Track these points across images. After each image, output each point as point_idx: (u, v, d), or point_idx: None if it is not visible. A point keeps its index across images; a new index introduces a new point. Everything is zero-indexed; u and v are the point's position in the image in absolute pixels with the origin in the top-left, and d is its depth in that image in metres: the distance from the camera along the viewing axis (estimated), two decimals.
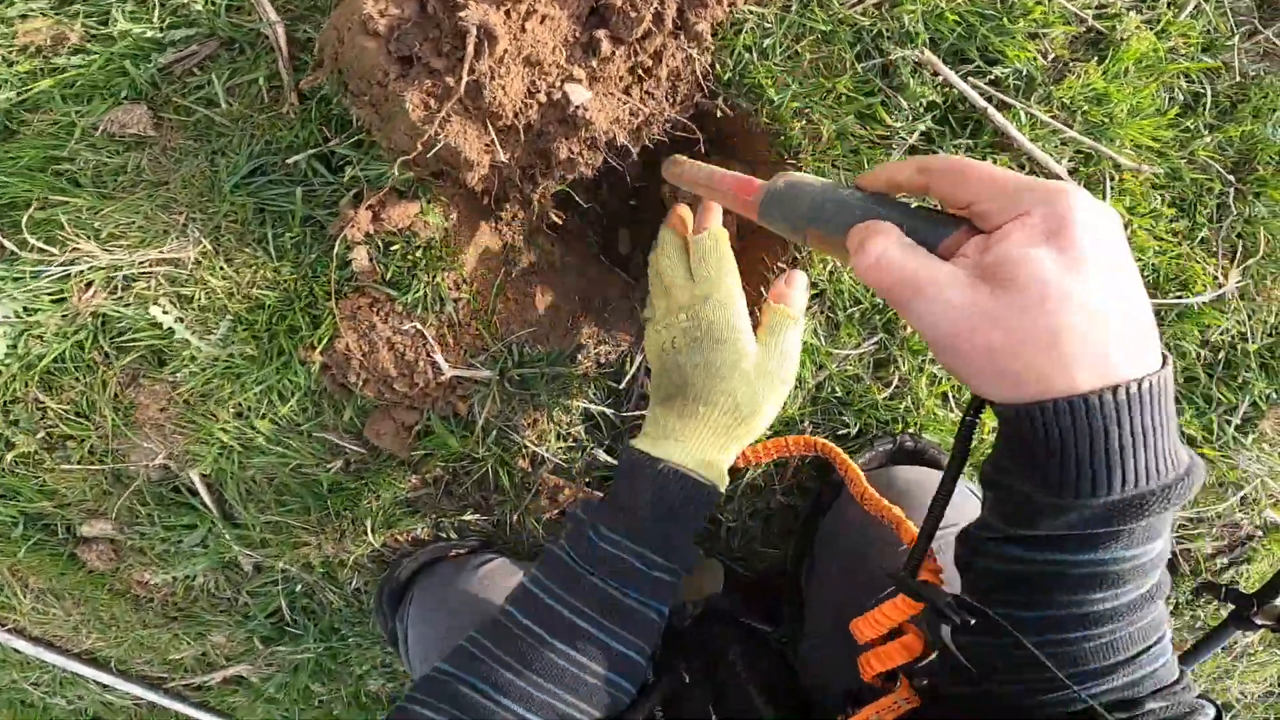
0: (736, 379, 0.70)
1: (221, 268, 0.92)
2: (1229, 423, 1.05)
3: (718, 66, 0.90)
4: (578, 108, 0.72)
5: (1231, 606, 1.17)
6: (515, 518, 1.07)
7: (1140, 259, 0.96)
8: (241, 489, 1.08)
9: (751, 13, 0.87)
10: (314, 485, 1.05)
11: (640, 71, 0.77)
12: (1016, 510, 0.48)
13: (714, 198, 0.75)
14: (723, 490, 0.72)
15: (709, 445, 0.70)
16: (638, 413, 1.00)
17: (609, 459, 1.02)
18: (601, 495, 0.76)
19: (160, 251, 0.93)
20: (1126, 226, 0.96)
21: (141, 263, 0.93)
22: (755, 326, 0.75)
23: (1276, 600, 0.70)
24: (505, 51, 0.67)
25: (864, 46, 0.89)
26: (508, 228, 1.01)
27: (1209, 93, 0.95)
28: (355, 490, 1.06)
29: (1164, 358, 0.45)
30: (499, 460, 1.02)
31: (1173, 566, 0.83)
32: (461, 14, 0.64)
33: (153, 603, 1.26)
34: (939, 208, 0.52)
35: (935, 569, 0.63)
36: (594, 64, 0.72)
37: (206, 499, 1.09)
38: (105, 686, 1.38)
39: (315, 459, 1.03)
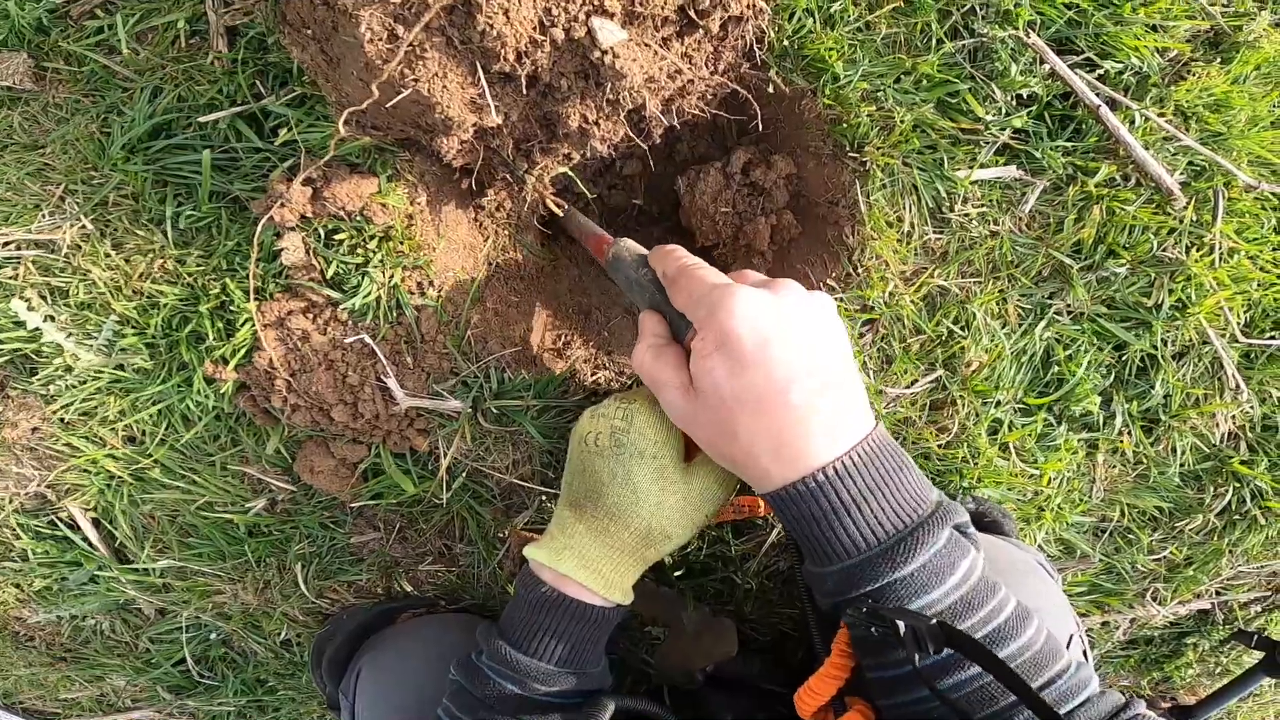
0: (654, 508, 0.61)
1: (107, 254, 0.69)
2: None
3: (771, 32, 0.71)
4: (606, 52, 0.52)
5: (1261, 654, 1.10)
6: (485, 572, 0.88)
7: (1245, 290, 0.82)
8: (135, 527, 0.85)
9: None
10: (228, 528, 0.83)
11: (693, 15, 0.57)
12: (810, 580, 0.57)
13: (588, 248, 0.75)
14: (626, 606, 0.64)
15: (614, 565, 0.63)
16: None
17: None
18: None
19: (27, 231, 0.69)
20: (1232, 254, 0.81)
21: (4, 244, 0.69)
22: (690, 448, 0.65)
23: None
24: None
25: (954, 23, 0.71)
26: (491, 219, 0.80)
27: None
28: (283, 534, 0.85)
29: (874, 422, 0.52)
30: (467, 506, 0.83)
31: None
32: None
33: (34, 641, 1.03)
34: None
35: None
36: None
37: (91, 536, 0.87)
38: None
39: (230, 496, 0.81)
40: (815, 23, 0.71)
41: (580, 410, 0.80)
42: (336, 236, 0.69)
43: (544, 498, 0.83)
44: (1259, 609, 1.10)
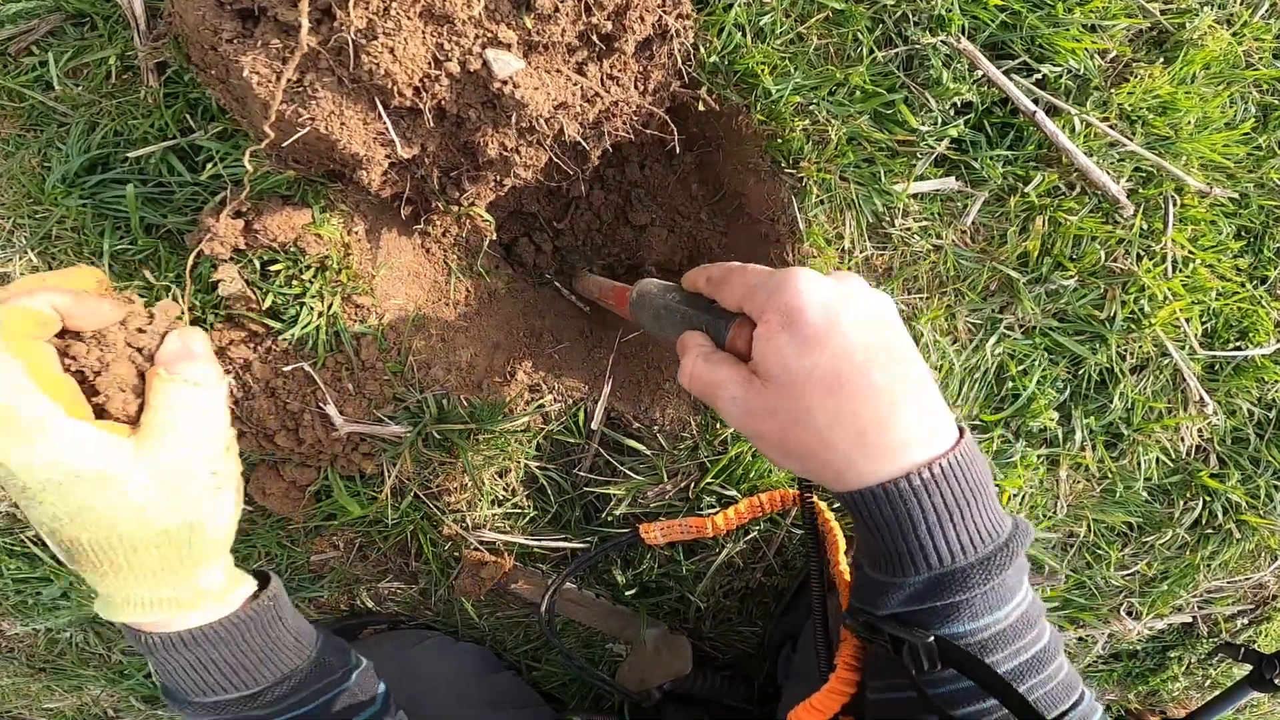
0: (133, 509, 0.45)
1: None
2: (1278, 489, 0.90)
3: (701, 48, 0.71)
4: (504, 83, 0.52)
5: (1249, 667, 1.06)
6: (442, 591, 0.89)
7: (1202, 301, 0.80)
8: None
9: None
10: None
11: (597, 40, 0.57)
12: (864, 589, 0.51)
13: (610, 308, 0.74)
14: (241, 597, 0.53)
15: (165, 582, 0.48)
16: (592, 477, 0.82)
17: (554, 531, 0.84)
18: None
19: None
20: (1187, 263, 0.79)
21: None
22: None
23: None
24: None
25: (885, 31, 0.70)
26: (438, 245, 0.81)
27: None
28: (242, 552, 0.86)
29: (960, 431, 0.47)
30: (420, 525, 0.84)
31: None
32: None
33: (14, 653, 1.06)
34: None
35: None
36: (528, 24, 0.52)
37: (59, 554, 0.89)
38: None
39: None
40: (745, 37, 0.70)
41: (523, 433, 0.81)
42: (273, 268, 0.70)
43: (495, 517, 0.84)
44: (1245, 621, 1.07)
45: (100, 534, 0.45)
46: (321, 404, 0.72)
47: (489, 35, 0.51)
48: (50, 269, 0.71)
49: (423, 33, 0.49)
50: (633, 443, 0.79)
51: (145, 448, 0.45)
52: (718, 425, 0.80)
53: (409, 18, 0.47)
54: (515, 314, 0.90)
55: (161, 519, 0.46)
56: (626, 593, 0.88)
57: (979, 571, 0.45)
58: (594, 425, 0.79)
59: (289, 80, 0.48)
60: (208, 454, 0.48)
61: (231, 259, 0.68)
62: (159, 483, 0.45)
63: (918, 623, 0.48)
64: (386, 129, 0.53)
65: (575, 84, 0.60)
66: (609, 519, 0.83)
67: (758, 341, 0.46)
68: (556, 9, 0.52)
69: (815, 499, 0.81)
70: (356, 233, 0.73)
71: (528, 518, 0.84)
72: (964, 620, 0.46)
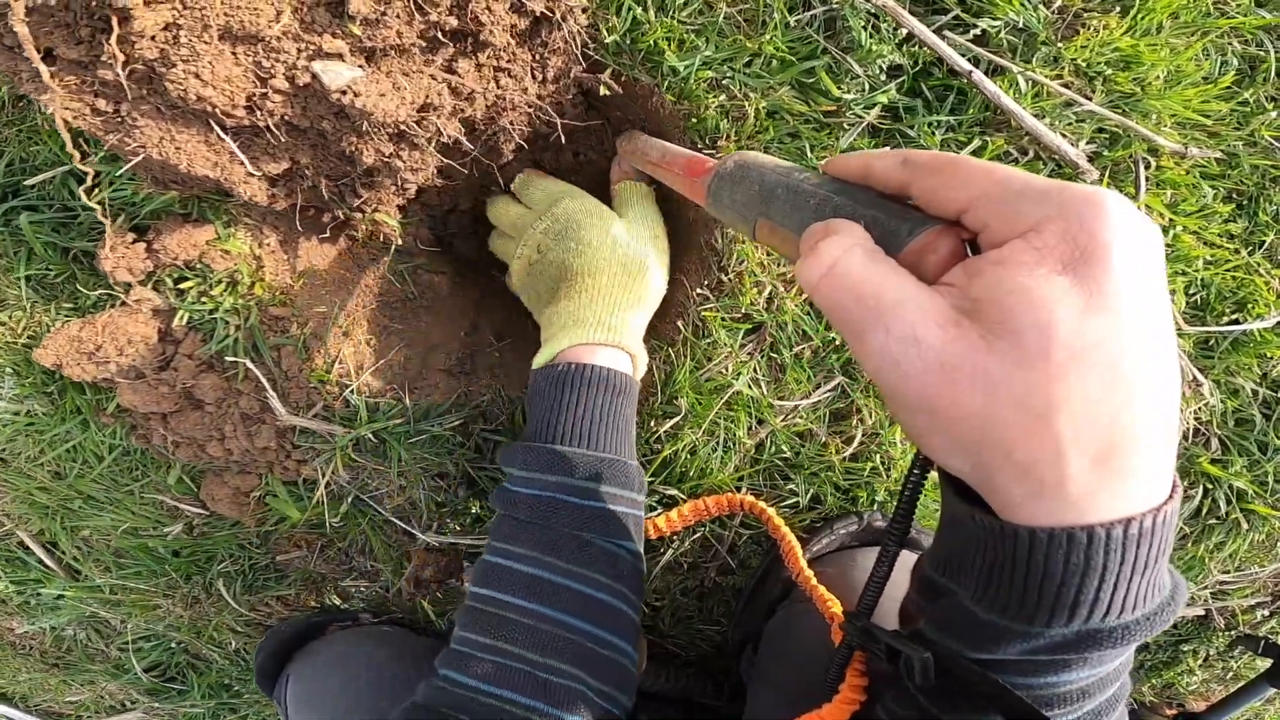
0: (614, 241, 0.68)
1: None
2: None
3: (602, 27, 0.66)
4: (342, 92, 0.49)
5: (1270, 661, 0.98)
6: (399, 586, 0.90)
7: (1186, 272, 0.71)
8: (78, 548, 0.92)
9: None
10: (152, 549, 0.88)
11: (443, 38, 0.54)
12: (964, 628, 0.38)
13: (665, 179, 0.64)
14: (642, 361, 0.67)
15: (610, 310, 0.65)
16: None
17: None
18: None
19: None
20: (1167, 231, 0.70)
21: None
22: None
23: None
24: (175, 25, 0.44)
25: None
26: (365, 249, 0.80)
27: (1271, 56, 0.67)
28: (206, 553, 0.89)
29: (1175, 476, 0.33)
30: (368, 526, 0.84)
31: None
32: None
33: (30, 650, 1.14)
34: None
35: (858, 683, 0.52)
36: (356, 31, 0.49)
37: (44, 558, 0.94)
38: None
39: (149, 521, 0.86)
40: (647, 11, 0.65)
41: (460, 434, 0.80)
42: (183, 285, 0.70)
43: (441, 515, 0.84)
44: (1265, 613, 0.97)
45: (587, 258, 0.67)
46: (245, 411, 0.72)
47: (314, 47, 0.48)
48: None
49: (232, 53, 0.47)
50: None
51: (618, 216, 0.71)
52: (652, 423, 0.76)
53: (205, 41, 0.45)
54: (457, 312, 0.88)
55: (624, 250, 0.68)
56: None
57: (1138, 630, 0.35)
58: (525, 406, 0.77)
59: (106, 113, 0.46)
60: (656, 223, 0.73)
61: (142, 281, 0.69)
62: (627, 231, 0.69)
63: (1031, 671, 0.38)
64: (232, 149, 0.52)
65: (440, 83, 0.57)
66: None
67: (1008, 271, 0.30)
68: (381, 13, 0.48)
69: (763, 506, 0.78)
70: (269, 244, 0.72)
71: (473, 515, 0.84)
72: (1087, 668, 0.37)
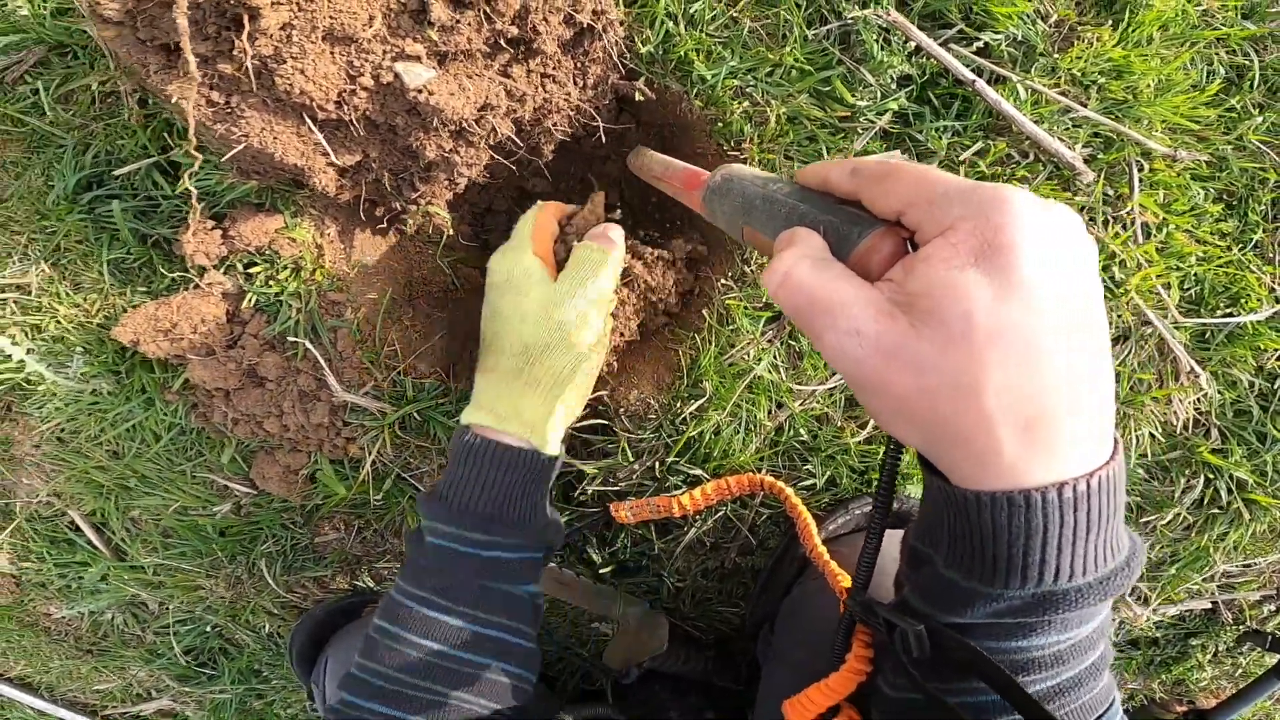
0: (522, 316, 0.66)
1: (68, 294, 0.80)
2: None
3: (637, 39, 0.73)
4: (419, 91, 0.56)
5: (1278, 657, 1.00)
6: None
7: (1180, 268, 0.76)
8: (127, 528, 0.97)
9: None
10: (200, 529, 0.93)
11: (505, 45, 0.60)
12: (938, 593, 0.42)
13: (668, 190, 0.70)
14: (541, 447, 0.66)
15: (504, 395, 0.65)
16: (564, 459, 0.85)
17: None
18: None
19: (3, 276, 0.80)
20: (1160, 228, 0.76)
21: None
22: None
23: None
24: (290, 25, 0.50)
25: (816, 8, 0.71)
26: (412, 242, 0.86)
27: (1256, 65, 0.74)
28: (250, 534, 0.94)
29: (1115, 442, 0.37)
30: (407, 506, 0.89)
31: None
32: None
33: (64, 636, 1.18)
34: None
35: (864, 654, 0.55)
36: (434, 36, 0.55)
37: (93, 539, 0.99)
38: (41, 713, 1.32)
39: (200, 501, 0.91)
40: (679, 25, 0.72)
41: None
42: (252, 270, 0.76)
43: None
44: (1273, 608, 1.00)
45: (499, 328, 0.66)
46: (302, 388, 0.78)
47: (397, 50, 0.55)
48: (62, 278, 0.80)
49: (330, 53, 0.54)
50: (598, 420, 0.82)
51: (551, 281, 0.66)
52: (679, 405, 0.81)
53: (312, 41, 0.51)
54: None
55: (528, 331, 0.65)
56: (602, 570, 0.90)
57: (1093, 593, 0.38)
58: None
59: (218, 104, 0.53)
60: (590, 297, 0.66)
61: (216, 265, 0.75)
62: (541, 305, 0.65)
63: (1001, 635, 0.41)
64: (320, 141, 0.58)
65: (499, 85, 0.63)
66: (582, 498, 0.86)
67: (931, 266, 0.34)
68: (456, 21, 0.55)
69: (782, 485, 0.82)
70: (329, 234, 0.79)
71: None
72: (1040, 634, 0.40)
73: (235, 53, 0.50)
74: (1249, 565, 0.94)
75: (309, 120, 0.57)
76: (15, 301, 0.82)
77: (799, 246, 0.40)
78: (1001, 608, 0.39)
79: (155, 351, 0.74)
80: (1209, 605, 1.00)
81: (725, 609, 0.95)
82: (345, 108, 0.57)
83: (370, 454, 0.82)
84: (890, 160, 0.41)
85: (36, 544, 0.98)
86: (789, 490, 0.81)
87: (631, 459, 0.83)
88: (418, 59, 0.55)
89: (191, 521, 0.93)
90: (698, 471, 0.83)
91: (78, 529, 0.98)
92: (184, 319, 0.73)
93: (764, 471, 0.84)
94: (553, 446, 0.66)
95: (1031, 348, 0.33)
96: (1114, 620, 0.99)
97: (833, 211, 0.41)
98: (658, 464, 0.83)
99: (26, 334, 0.83)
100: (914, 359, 0.35)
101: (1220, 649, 1.07)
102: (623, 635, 0.96)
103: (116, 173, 0.72)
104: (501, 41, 0.59)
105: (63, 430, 0.89)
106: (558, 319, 0.65)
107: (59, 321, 0.81)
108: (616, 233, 0.72)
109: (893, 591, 0.50)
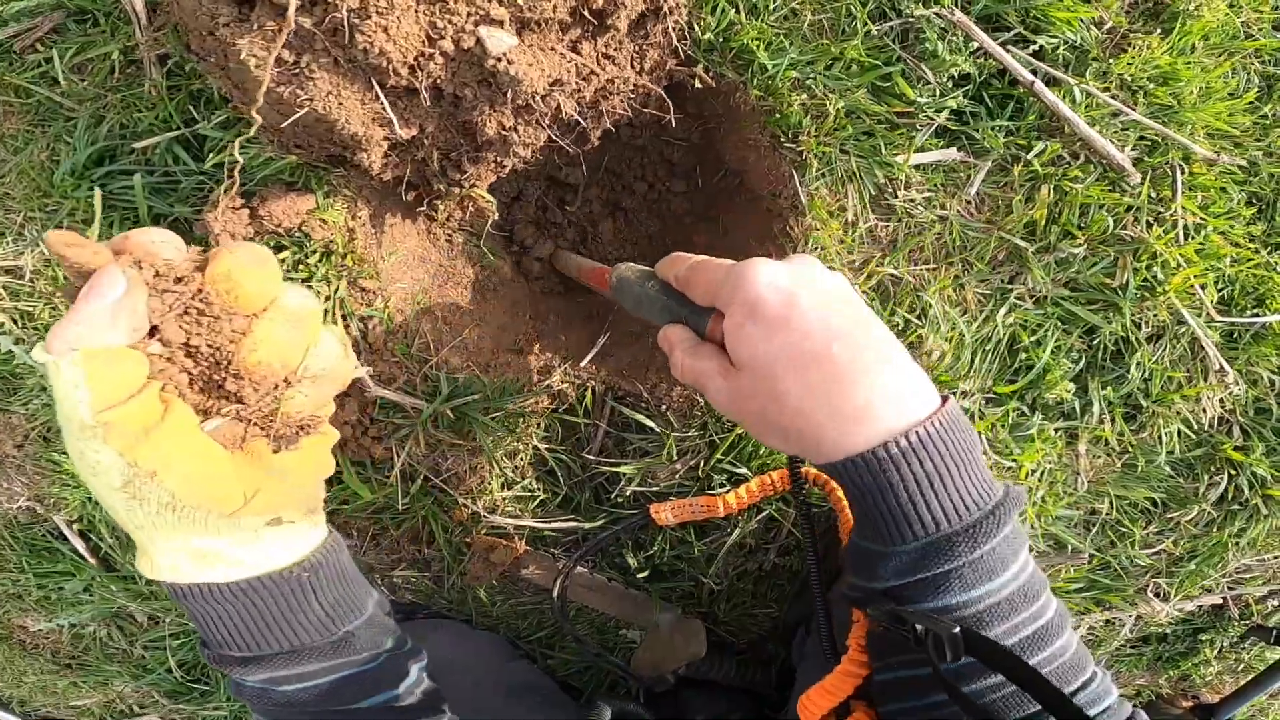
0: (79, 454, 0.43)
1: (66, 279, 0.73)
2: None
3: (696, 26, 0.71)
4: (498, 59, 0.53)
5: None
6: (455, 578, 0.89)
7: (1217, 268, 0.78)
8: (118, 536, 0.89)
9: None
10: None
11: (589, 17, 0.58)
12: (858, 564, 0.52)
13: (590, 287, 0.76)
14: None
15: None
16: (601, 460, 0.82)
17: (564, 513, 0.84)
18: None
19: None
20: (1199, 230, 0.78)
21: None
22: None
23: None
24: None
25: (877, 4, 0.71)
26: (442, 229, 0.82)
27: None
28: None
29: (943, 399, 0.48)
30: (431, 511, 0.84)
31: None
32: None
33: (40, 650, 1.08)
34: None
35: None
36: (520, 0, 0.52)
37: (79, 546, 0.91)
38: None
39: None
40: (740, 13, 0.71)
41: (535, 411, 0.81)
42: (280, 254, 0.71)
43: (505, 500, 0.84)
44: (1277, 603, 1.03)
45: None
46: None
47: (481, 13, 0.52)
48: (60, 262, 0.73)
49: (415, 11, 0.50)
50: (641, 418, 0.79)
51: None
52: None
53: None
54: (521, 296, 0.91)
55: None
56: (638, 576, 0.87)
57: (966, 539, 0.45)
58: (595, 387, 0.79)
59: (286, 62, 0.49)
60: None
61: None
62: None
63: (911, 598, 0.48)
64: (384, 108, 0.54)
65: (570, 62, 0.61)
66: (619, 500, 0.83)
67: (728, 335, 0.49)
68: None
69: (826, 476, 0.81)
70: (360, 218, 0.74)
71: (537, 500, 0.84)
72: (955, 592, 0.47)
73: (317, 4, 0.46)
74: (1260, 560, 0.97)
75: (378, 86, 0.53)
76: (4, 286, 0.74)
77: (678, 344, 0.55)
78: (902, 565, 0.47)
79: None
80: (1219, 600, 1.03)
81: (760, 612, 0.93)
82: (419, 74, 0.53)
83: (401, 454, 0.77)
84: (692, 260, 0.55)
85: (14, 552, 0.89)
86: (834, 482, 0.80)
87: (675, 458, 0.80)
88: (501, 24, 0.52)
89: None
90: (743, 470, 0.81)
91: (61, 536, 0.90)
92: None
93: (806, 465, 0.82)
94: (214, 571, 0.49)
95: (804, 355, 0.46)
96: (1132, 616, 1.01)
97: (686, 305, 0.56)
98: (702, 463, 0.81)
99: (16, 322, 0.76)
100: (747, 393, 0.49)
101: (1226, 644, 1.10)
102: (653, 641, 0.93)
103: (135, 145, 0.66)
104: (585, 13, 0.57)
105: (49, 429, 0.81)
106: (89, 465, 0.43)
107: (54, 309, 0.74)
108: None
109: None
